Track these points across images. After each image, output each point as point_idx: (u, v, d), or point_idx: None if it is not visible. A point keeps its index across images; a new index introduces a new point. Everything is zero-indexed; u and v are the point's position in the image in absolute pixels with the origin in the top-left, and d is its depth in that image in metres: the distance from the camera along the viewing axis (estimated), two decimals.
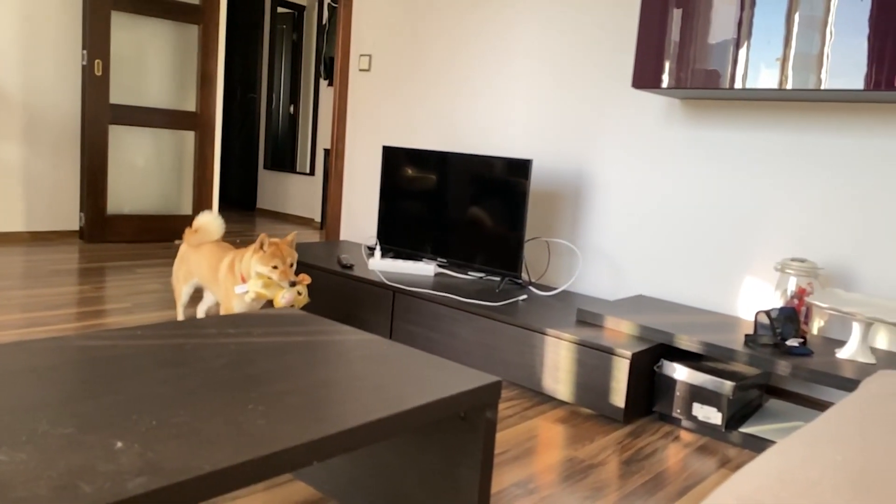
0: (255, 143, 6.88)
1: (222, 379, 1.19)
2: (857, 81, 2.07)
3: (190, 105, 4.85)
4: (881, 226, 2.32)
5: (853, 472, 0.94)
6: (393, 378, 1.29)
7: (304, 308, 3.04)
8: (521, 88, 3.28)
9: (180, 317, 2.87)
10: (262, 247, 2.40)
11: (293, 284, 2.39)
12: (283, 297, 2.38)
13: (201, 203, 4.95)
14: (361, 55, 4.03)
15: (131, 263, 4.02)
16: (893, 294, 2.30)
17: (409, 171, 3.29)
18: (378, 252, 3.19)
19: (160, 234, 4.82)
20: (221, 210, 6.68)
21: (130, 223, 4.68)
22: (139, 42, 4.58)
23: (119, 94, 4.53)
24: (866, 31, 2.05)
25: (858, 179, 2.36)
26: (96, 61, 4.34)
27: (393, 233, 3.37)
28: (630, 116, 2.91)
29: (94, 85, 4.37)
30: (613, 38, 2.94)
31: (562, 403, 2.37)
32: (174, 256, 4.34)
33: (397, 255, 3.30)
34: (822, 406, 2.42)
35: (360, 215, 4.10)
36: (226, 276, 2.55)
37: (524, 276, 3.25)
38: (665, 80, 2.47)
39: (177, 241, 4.85)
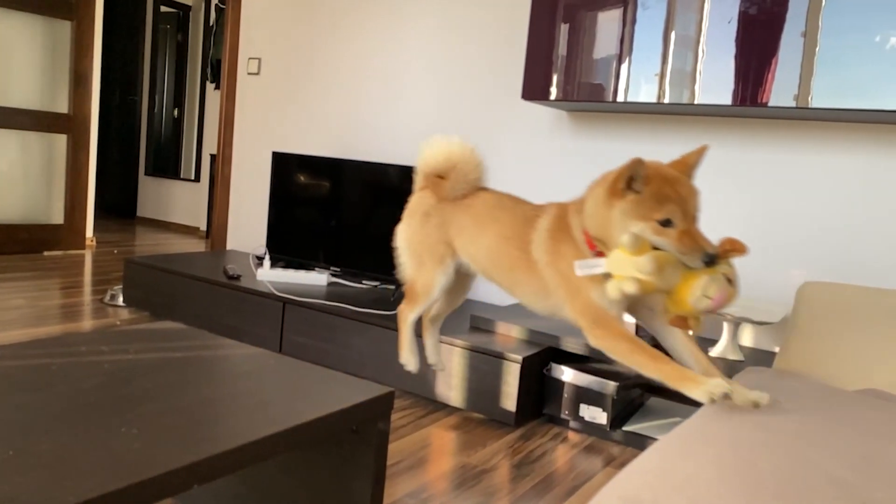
0: (136, 147, 6.53)
1: (93, 401, 1.11)
2: (725, 97, 2.22)
3: (62, 106, 4.53)
4: (746, 232, 2.49)
5: (723, 465, 0.99)
6: (280, 393, 1.25)
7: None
8: (414, 96, 3.29)
9: (412, 364, 1.65)
10: (630, 182, 1.21)
11: (711, 261, 1.18)
12: (701, 294, 1.16)
13: (74, 210, 4.63)
14: (250, 58, 3.91)
15: None
16: (758, 295, 2.48)
17: (301, 178, 3.22)
18: (267, 262, 3.10)
19: (26, 244, 4.45)
20: (98, 218, 6.28)
21: None
22: (2, 37, 4.23)
23: None
24: (733, 50, 2.20)
25: (727, 188, 2.53)
26: None
27: (283, 242, 3.28)
28: (521, 127, 2.98)
29: None
30: (506, 49, 3.01)
31: (455, 410, 2.38)
32: (43, 268, 4.03)
33: (288, 265, 3.21)
34: (697, 402, 2.56)
35: (249, 224, 3.97)
36: (550, 249, 1.36)
37: None
38: (553, 92, 2.55)
39: (87, 241, 4.50)
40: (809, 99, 2.08)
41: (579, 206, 1.34)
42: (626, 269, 1.18)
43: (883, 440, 1.12)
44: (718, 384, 1.16)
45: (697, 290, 1.16)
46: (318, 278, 3.04)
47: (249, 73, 3.92)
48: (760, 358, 2.30)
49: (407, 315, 1.60)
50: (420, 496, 1.74)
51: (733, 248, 1.22)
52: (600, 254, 1.28)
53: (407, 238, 1.61)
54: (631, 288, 1.17)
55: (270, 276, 3.03)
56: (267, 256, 3.15)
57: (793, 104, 2.10)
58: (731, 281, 1.19)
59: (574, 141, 2.84)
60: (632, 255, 1.17)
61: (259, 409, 1.15)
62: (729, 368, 2.13)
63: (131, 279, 3.25)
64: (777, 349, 2.40)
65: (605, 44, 2.44)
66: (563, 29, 2.52)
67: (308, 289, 2.93)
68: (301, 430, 1.12)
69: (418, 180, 1.64)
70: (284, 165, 3.26)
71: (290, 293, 2.81)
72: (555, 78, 2.54)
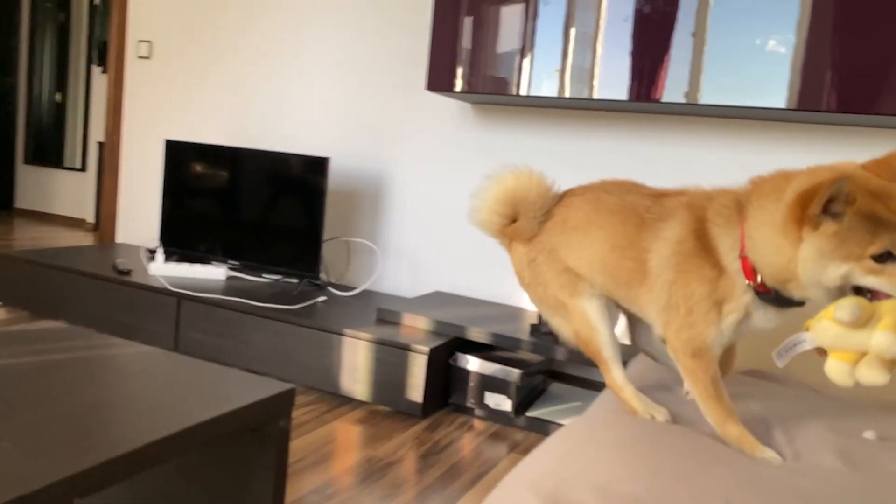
0: (12, 133, 6.04)
1: None
2: (622, 93, 2.29)
3: None
4: None
5: (624, 448, 1.02)
6: (173, 394, 1.18)
7: None
8: (318, 84, 3.21)
9: (661, 414, 1.19)
10: (828, 206, 0.90)
11: None
12: None
13: None
14: (140, 41, 3.69)
15: None
16: None
17: (197, 168, 3.08)
18: (160, 255, 2.95)
19: None
20: None
21: None
22: None
23: None
24: (629, 48, 2.27)
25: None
26: None
27: (178, 234, 3.13)
28: (426, 118, 2.97)
29: None
30: (411, 39, 2.98)
31: (361, 404, 2.36)
32: None
33: (183, 259, 3.07)
34: (596, 386, 2.65)
35: (140, 216, 3.77)
36: (680, 267, 1.12)
37: (323, 276, 3.19)
38: (458, 84, 2.55)
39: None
40: (699, 96, 2.18)
41: (726, 210, 1.10)
42: (852, 344, 0.90)
43: (772, 420, 1.19)
44: (775, 456, 1.03)
45: None
46: (215, 272, 2.92)
47: (140, 57, 3.71)
48: None
49: (612, 379, 1.26)
50: (325, 492, 1.71)
51: None
52: (762, 287, 1.02)
53: (539, 303, 1.35)
54: (880, 377, 0.88)
55: (164, 270, 2.88)
56: (160, 250, 2.99)
57: (684, 100, 2.20)
58: None
59: (480, 133, 2.86)
60: (852, 328, 0.88)
61: (149, 412, 1.09)
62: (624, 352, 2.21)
63: (7, 276, 3.01)
64: None
65: (508, 38, 2.46)
66: (467, 22, 2.53)
67: (205, 283, 2.81)
68: (195, 432, 1.06)
69: (502, 242, 1.40)
70: (178, 154, 3.10)
71: (186, 288, 2.68)
72: (459, 70, 2.55)
